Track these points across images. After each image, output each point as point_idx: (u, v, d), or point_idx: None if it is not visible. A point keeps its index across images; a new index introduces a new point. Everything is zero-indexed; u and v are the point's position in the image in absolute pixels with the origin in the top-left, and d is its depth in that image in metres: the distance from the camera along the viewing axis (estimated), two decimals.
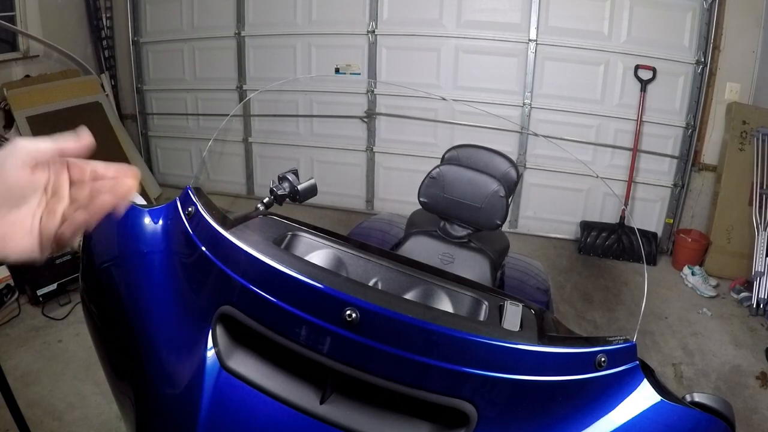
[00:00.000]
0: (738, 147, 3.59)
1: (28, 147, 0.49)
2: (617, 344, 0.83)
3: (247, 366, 0.79)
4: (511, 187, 1.97)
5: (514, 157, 3.64)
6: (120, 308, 0.92)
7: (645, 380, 0.83)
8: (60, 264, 2.92)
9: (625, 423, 0.80)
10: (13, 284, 2.87)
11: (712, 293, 3.43)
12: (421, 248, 1.70)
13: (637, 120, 3.75)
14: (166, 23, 4.57)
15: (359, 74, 4.19)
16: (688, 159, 3.81)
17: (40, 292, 2.87)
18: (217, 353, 0.79)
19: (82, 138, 0.53)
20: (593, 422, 0.80)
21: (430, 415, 0.80)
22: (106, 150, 4.20)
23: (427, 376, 0.76)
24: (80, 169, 0.53)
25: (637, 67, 3.70)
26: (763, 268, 3.25)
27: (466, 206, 1.64)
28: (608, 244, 3.89)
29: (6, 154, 0.49)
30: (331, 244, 1.04)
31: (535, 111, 3.95)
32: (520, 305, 0.92)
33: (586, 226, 3.97)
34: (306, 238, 1.04)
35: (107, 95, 4.49)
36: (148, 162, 4.93)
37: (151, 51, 4.71)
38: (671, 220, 3.96)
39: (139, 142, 4.92)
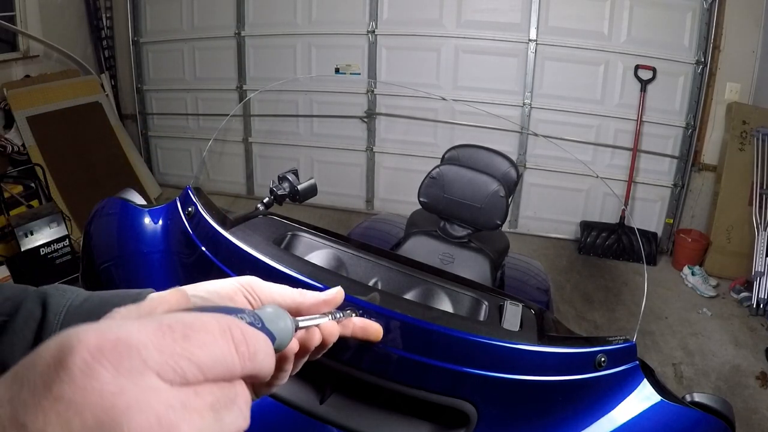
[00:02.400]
0: (738, 147, 3.59)
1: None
2: (617, 344, 0.83)
3: None
4: (511, 187, 1.97)
5: (514, 157, 3.64)
6: None
7: (645, 380, 0.83)
8: (60, 264, 2.92)
9: (625, 423, 0.80)
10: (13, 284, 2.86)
11: (712, 293, 3.43)
12: (421, 248, 1.70)
13: (637, 120, 3.75)
14: (166, 23, 4.56)
15: (359, 74, 4.18)
16: (688, 159, 3.81)
17: None
18: None
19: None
20: (593, 422, 0.80)
21: (430, 415, 0.80)
22: (106, 150, 4.20)
23: (427, 376, 0.76)
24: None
25: (637, 67, 3.69)
26: (763, 268, 3.25)
27: (466, 206, 1.64)
28: (608, 244, 3.88)
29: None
30: (331, 244, 1.04)
31: (535, 111, 3.95)
32: (520, 305, 0.92)
33: (586, 226, 3.97)
34: (306, 238, 1.04)
35: (107, 95, 4.49)
36: (148, 162, 4.93)
37: (151, 51, 4.71)
38: (671, 220, 3.96)
39: (139, 142, 4.92)
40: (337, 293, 0.42)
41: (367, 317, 0.45)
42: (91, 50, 4.67)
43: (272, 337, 0.31)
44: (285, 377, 0.37)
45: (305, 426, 0.77)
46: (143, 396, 0.22)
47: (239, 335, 0.28)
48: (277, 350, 0.31)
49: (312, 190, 1.33)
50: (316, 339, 0.38)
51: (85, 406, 0.20)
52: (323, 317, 0.39)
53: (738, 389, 2.57)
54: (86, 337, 0.22)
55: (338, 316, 0.41)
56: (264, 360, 0.29)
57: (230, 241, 0.86)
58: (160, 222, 1.02)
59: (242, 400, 0.28)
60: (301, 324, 0.35)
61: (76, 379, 0.21)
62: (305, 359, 0.39)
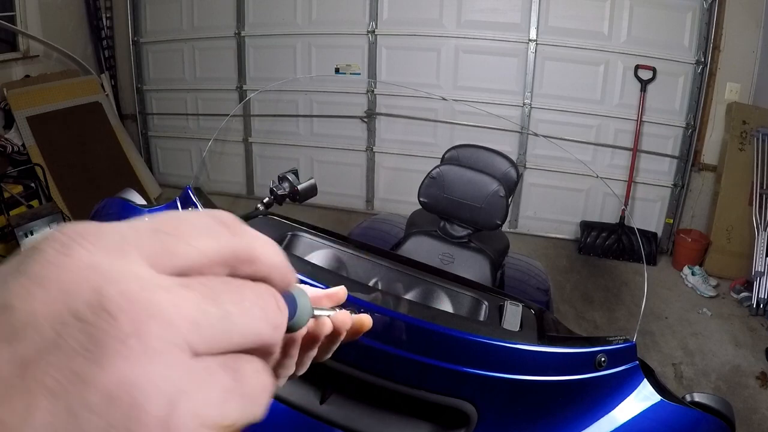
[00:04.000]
0: (738, 147, 3.58)
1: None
2: (617, 344, 0.83)
3: None
4: (511, 187, 1.97)
5: (514, 157, 3.64)
6: None
7: (645, 380, 0.83)
8: None
9: (625, 423, 0.80)
10: None
11: (712, 293, 3.43)
12: (421, 248, 1.70)
13: (637, 120, 3.75)
14: (166, 23, 4.56)
15: (359, 74, 4.18)
16: (688, 159, 3.81)
17: None
18: None
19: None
20: (594, 422, 0.80)
21: (430, 415, 0.80)
22: (106, 150, 4.20)
23: (428, 376, 0.76)
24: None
25: (637, 67, 3.69)
26: (763, 268, 3.25)
27: (466, 206, 1.64)
28: (608, 244, 3.88)
29: None
30: (331, 244, 1.04)
31: (535, 111, 3.95)
32: (520, 305, 0.92)
33: (586, 226, 3.97)
34: (306, 238, 1.04)
35: (107, 95, 4.49)
36: (148, 162, 4.93)
37: (151, 51, 4.71)
38: (671, 220, 3.96)
39: (139, 142, 4.92)
40: (340, 290, 0.41)
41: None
42: (91, 50, 4.67)
43: (294, 307, 0.28)
44: (290, 366, 0.34)
45: (305, 426, 0.77)
46: (122, 270, 0.18)
47: (227, 218, 0.23)
48: (293, 328, 0.28)
49: (312, 190, 1.33)
50: (326, 327, 0.37)
51: (52, 279, 0.18)
52: (332, 310, 0.38)
53: (738, 389, 2.57)
54: (63, 228, 0.19)
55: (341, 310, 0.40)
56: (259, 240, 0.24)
57: None
58: None
59: (266, 301, 0.22)
60: (315, 312, 0.33)
61: (48, 256, 0.18)
62: (313, 353, 0.38)
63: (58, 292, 0.17)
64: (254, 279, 0.24)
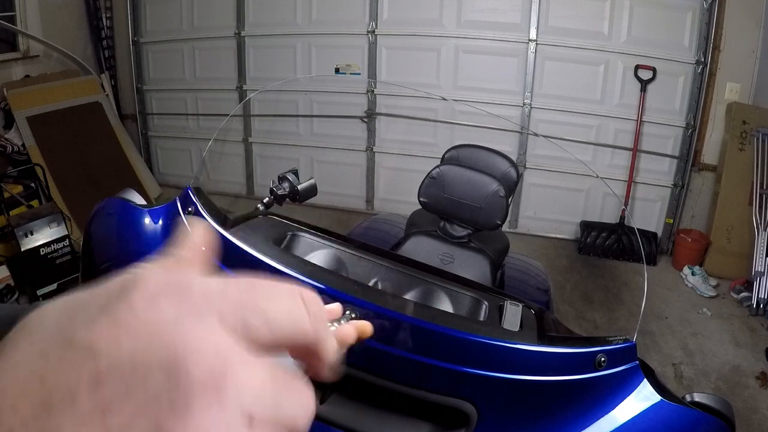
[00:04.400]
0: (738, 147, 3.59)
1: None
2: (617, 344, 0.83)
3: None
4: (511, 187, 1.97)
5: (514, 157, 3.64)
6: None
7: (645, 380, 0.83)
8: (60, 264, 2.92)
9: (625, 423, 0.80)
10: (13, 284, 2.87)
11: (712, 293, 3.43)
12: (421, 248, 1.70)
13: (637, 120, 3.75)
14: (166, 23, 4.56)
15: (359, 74, 4.19)
16: (688, 159, 3.81)
17: (40, 292, 2.87)
18: None
19: None
20: (593, 422, 0.80)
21: (430, 415, 0.80)
22: (106, 150, 4.20)
23: (428, 376, 0.76)
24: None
25: (637, 67, 3.69)
26: (763, 268, 3.25)
27: (466, 206, 1.64)
28: (608, 244, 3.88)
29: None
30: (331, 244, 1.04)
31: (535, 111, 3.95)
32: (520, 305, 0.92)
33: (586, 226, 3.97)
34: (306, 238, 1.04)
35: (107, 95, 4.49)
36: (148, 162, 4.93)
37: (151, 51, 4.71)
38: (671, 220, 3.96)
39: (139, 142, 4.92)
40: (336, 307, 0.41)
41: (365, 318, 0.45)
42: (91, 50, 4.67)
43: None
44: None
45: None
46: (202, 335, 0.20)
47: (309, 296, 0.25)
48: None
49: (312, 190, 1.33)
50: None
51: (138, 332, 0.19)
52: (336, 323, 0.39)
53: (738, 389, 2.57)
54: (151, 274, 0.21)
55: (342, 322, 0.40)
56: (329, 334, 0.27)
57: (230, 241, 0.86)
58: (160, 222, 1.02)
59: (305, 382, 0.24)
60: None
61: (136, 306, 0.20)
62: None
63: (144, 344, 0.18)
64: (306, 361, 0.26)
